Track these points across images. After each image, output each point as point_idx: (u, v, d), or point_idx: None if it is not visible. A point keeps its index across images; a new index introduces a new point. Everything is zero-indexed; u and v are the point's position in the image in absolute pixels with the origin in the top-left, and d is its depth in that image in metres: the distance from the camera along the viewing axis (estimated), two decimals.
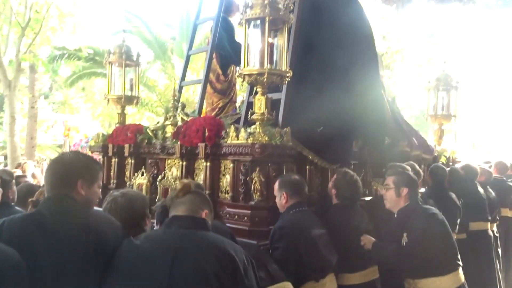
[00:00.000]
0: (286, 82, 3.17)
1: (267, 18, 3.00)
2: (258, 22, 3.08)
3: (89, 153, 4.83)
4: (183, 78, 5.03)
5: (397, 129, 4.45)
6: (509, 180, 5.66)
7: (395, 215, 2.91)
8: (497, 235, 4.77)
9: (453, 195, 4.02)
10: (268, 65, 3.01)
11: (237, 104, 5.35)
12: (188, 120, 3.67)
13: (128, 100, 4.65)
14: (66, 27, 13.39)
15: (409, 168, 3.26)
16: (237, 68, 5.23)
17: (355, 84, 3.68)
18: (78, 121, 18.78)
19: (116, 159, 4.21)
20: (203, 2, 5.13)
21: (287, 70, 3.10)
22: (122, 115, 4.67)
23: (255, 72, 3.04)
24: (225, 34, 4.95)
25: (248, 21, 3.10)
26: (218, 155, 3.23)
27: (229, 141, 3.08)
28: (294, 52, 3.43)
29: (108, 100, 4.63)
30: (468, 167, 4.68)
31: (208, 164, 3.27)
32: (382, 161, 3.75)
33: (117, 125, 4.62)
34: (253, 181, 2.95)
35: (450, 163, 5.13)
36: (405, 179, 2.86)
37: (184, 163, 3.48)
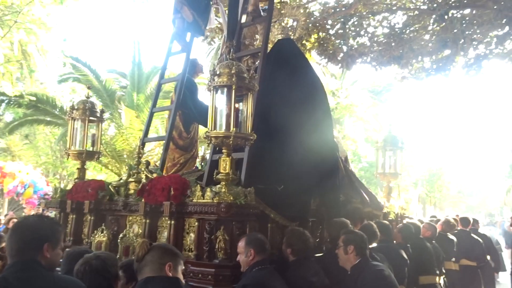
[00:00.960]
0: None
1: (233, 86, 3.29)
2: (225, 89, 3.35)
3: (41, 209, 4.73)
4: (145, 134, 5.15)
5: (350, 186, 4.78)
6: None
7: (349, 272, 3.12)
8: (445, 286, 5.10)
9: (401, 250, 4.32)
10: (234, 128, 3.25)
11: (198, 160, 5.51)
12: (152, 177, 3.78)
13: (89, 155, 4.69)
14: (7, 74, 13.27)
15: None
16: (199, 126, 5.49)
17: (311, 144, 4.01)
18: (16, 168, 17.71)
19: (74, 216, 4.16)
20: (168, 62, 5.40)
21: (251, 133, 3.36)
22: (82, 170, 4.68)
23: (222, 135, 3.27)
24: (188, 93, 5.20)
25: (216, 87, 3.37)
26: (183, 214, 3.34)
27: (195, 200, 3.21)
28: (256, 114, 3.71)
29: (68, 155, 4.63)
30: (413, 224, 5.06)
31: (173, 222, 3.35)
32: (338, 218, 4.01)
33: (76, 180, 4.60)
34: (218, 240, 3.08)
35: (399, 219, 5.51)
36: (352, 238, 3.11)
37: (148, 221, 3.54)
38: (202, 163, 5.35)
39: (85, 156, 4.63)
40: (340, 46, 8.95)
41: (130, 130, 13.27)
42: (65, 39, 17.59)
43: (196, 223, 3.23)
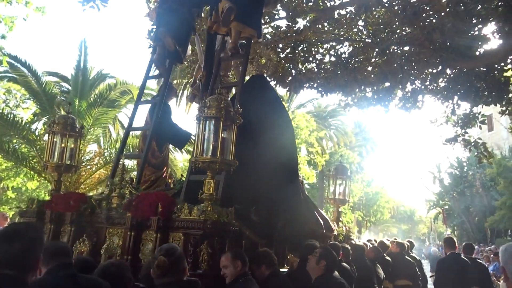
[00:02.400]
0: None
1: (221, 118, 3.83)
2: (213, 120, 3.88)
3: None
4: (121, 151, 5.49)
5: (307, 209, 5.43)
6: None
7: (313, 281, 3.71)
8: None
9: (348, 267, 4.99)
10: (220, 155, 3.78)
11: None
12: (137, 193, 4.17)
13: (67, 168, 4.94)
14: None
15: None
16: (170, 146, 5.91)
17: (278, 174, 4.62)
18: None
19: (53, 226, 4.40)
20: (145, 84, 5.81)
21: (234, 160, 3.89)
22: (59, 182, 4.91)
23: (208, 160, 3.78)
24: (163, 115, 5.64)
25: (205, 118, 3.88)
26: (169, 228, 3.77)
27: (182, 216, 3.67)
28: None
29: (46, 167, 4.85)
30: (357, 245, 5.80)
31: (159, 235, 3.76)
32: (298, 238, 4.63)
33: (52, 192, 4.83)
34: (202, 253, 3.54)
35: (345, 240, 6.23)
36: (326, 255, 3.71)
37: (133, 233, 3.91)
38: (173, 182, 5.78)
39: (63, 169, 4.88)
40: (289, 69, 9.45)
41: None
42: (5, 35, 16.56)
43: (182, 237, 3.67)
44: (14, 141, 13.49)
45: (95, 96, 15.23)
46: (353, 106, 10.67)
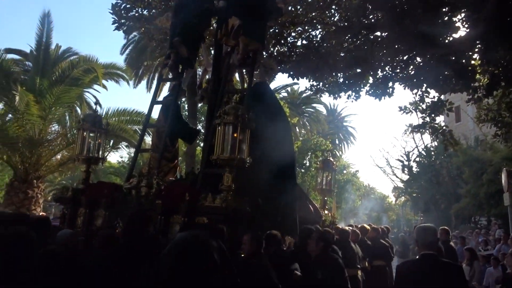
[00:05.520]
0: None
1: (238, 124, 4.66)
2: (231, 125, 4.70)
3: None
4: (139, 146, 6.23)
5: (300, 199, 6.35)
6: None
7: (312, 258, 4.62)
8: (362, 279, 6.84)
9: (336, 248, 5.96)
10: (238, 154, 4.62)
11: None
12: (164, 184, 4.97)
13: (95, 160, 5.67)
14: None
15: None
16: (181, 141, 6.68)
17: (279, 169, 5.50)
18: None
19: (88, 211, 5.14)
20: (159, 86, 6.54)
21: (248, 158, 4.75)
22: (88, 172, 5.63)
23: (227, 158, 4.62)
24: (175, 114, 6.40)
25: (224, 123, 4.70)
26: (195, 214, 4.59)
27: (206, 204, 4.50)
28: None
29: (78, 159, 5.57)
30: (343, 230, 6.78)
31: (186, 220, 4.59)
32: (294, 224, 5.54)
33: (82, 182, 5.55)
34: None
35: (331, 225, 7.21)
36: (324, 237, 4.62)
37: (163, 217, 4.72)
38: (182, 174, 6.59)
39: (92, 161, 5.61)
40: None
41: (28, 116, 12.37)
42: None
43: (206, 221, 4.50)
44: None
45: (57, 74, 14.59)
46: (324, 91, 10.79)
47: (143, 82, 22.15)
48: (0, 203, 15.84)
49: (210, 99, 6.42)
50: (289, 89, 30.89)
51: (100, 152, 5.78)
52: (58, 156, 14.45)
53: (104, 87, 20.98)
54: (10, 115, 13.74)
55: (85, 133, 5.62)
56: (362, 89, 10.50)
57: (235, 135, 4.71)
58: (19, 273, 2.00)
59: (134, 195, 5.10)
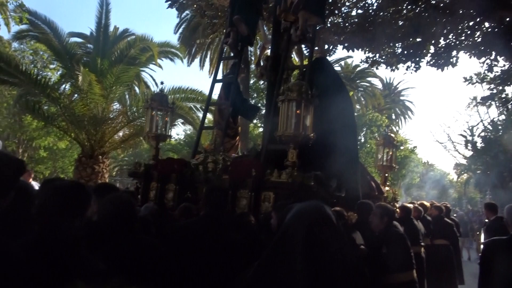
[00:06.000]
0: None
1: (302, 101, 4.77)
2: (295, 102, 4.82)
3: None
4: (202, 123, 6.54)
5: (362, 175, 6.40)
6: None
7: (376, 233, 4.72)
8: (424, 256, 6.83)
9: (397, 224, 5.99)
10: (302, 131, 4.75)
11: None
12: (230, 160, 5.22)
13: (163, 137, 6.04)
14: None
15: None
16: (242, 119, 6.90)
17: (346, 139, 5.56)
18: None
19: (159, 185, 5.53)
20: (220, 65, 6.75)
21: (312, 134, 4.86)
22: (157, 149, 6.02)
23: (292, 134, 4.76)
24: (236, 91, 6.61)
25: (288, 100, 4.83)
26: (261, 188, 4.81)
27: (272, 179, 4.70)
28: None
29: (147, 137, 5.96)
30: (405, 206, 6.76)
31: (253, 194, 4.82)
32: (357, 199, 5.62)
33: (152, 158, 5.94)
34: None
35: (392, 202, 7.20)
36: (387, 212, 4.69)
37: (230, 192, 4.98)
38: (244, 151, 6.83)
39: (160, 138, 5.98)
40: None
41: (91, 95, 13.00)
42: None
43: (273, 195, 4.71)
44: (43, 101, 14.05)
45: (116, 54, 15.46)
46: (381, 63, 10.31)
47: (196, 61, 22.67)
48: (71, 178, 17.19)
49: (269, 76, 6.54)
50: (342, 63, 30.22)
51: (167, 129, 6.13)
52: (120, 134, 15.27)
53: (159, 66, 21.81)
54: (75, 95, 14.68)
55: (153, 112, 5.98)
56: (422, 60, 10.02)
57: (297, 111, 4.82)
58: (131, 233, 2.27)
59: (202, 170, 5.41)
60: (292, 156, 4.80)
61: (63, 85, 16.42)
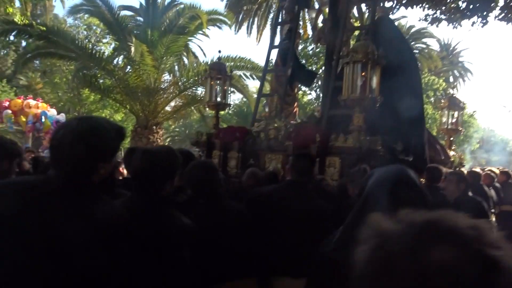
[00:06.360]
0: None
1: (369, 62, 4.61)
2: (360, 64, 4.67)
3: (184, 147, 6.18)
4: (260, 91, 6.52)
5: (428, 139, 6.18)
6: None
7: (451, 201, 4.56)
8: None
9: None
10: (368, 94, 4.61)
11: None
12: (292, 126, 5.20)
13: (223, 106, 6.09)
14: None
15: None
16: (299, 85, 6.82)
17: (408, 105, 5.36)
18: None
19: (222, 153, 5.63)
20: (277, 29, 6.63)
21: (379, 97, 4.71)
22: (217, 118, 6.09)
23: (358, 98, 4.64)
24: (293, 57, 6.50)
25: (354, 62, 4.68)
26: (326, 154, 4.77)
27: (338, 144, 4.64)
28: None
29: (208, 106, 6.04)
30: (474, 172, 6.49)
31: (318, 159, 4.79)
32: (425, 164, 5.44)
33: (212, 127, 6.03)
34: None
35: (458, 167, 6.93)
36: (464, 178, 4.52)
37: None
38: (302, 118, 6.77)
39: (220, 107, 6.04)
40: None
41: (143, 66, 13.26)
42: None
43: (339, 160, 4.67)
44: (98, 74, 14.61)
45: (165, 24, 15.56)
46: (442, 20, 9.48)
47: (243, 28, 22.46)
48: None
49: (328, 39, 6.36)
50: (396, 23, 28.73)
51: (227, 98, 6.17)
52: (172, 104, 15.62)
53: (207, 35, 21.85)
54: (128, 68, 15.12)
55: (212, 81, 6.02)
56: (489, 14, 9.08)
57: (362, 73, 4.67)
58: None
59: (263, 137, 5.44)
60: (358, 120, 4.69)
61: (116, 58, 17.03)
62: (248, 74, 15.49)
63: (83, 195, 1.44)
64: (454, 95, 7.42)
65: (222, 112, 21.97)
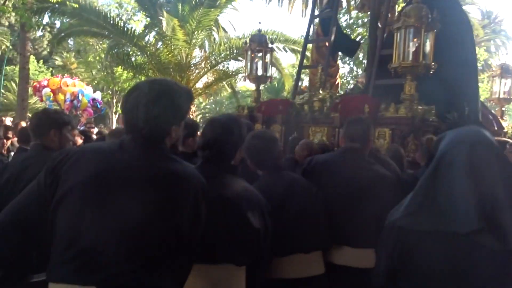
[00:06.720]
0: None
1: (422, 26, 4.36)
2: (412, 28, 4.43)
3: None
4: (301, 63, 6.35)
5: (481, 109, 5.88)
6: None
7: None
8: None
9: None
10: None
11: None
12: (338, 98, 5.04)
13: (264, 79, 5.98)
14: None
15: None
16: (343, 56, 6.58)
17: (464, 74, 5.09)
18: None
19: (264, 126, 5.54)
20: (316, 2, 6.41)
21: (433, 64, 4.48)
22: (258, 91, 5.99)
23: (410, 65, 4.42)
24: (335, 27, 6.26)
25: (406, 27, 4.44)
26: (375, 125, 4.60)
27: (388, 115, 4.46)
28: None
29: (249, 79, 5.94)
30: None
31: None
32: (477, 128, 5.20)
33: (254, 101, 5.94)
34: (409, 143, 4.36)
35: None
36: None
37: (340, 130, 4.84)
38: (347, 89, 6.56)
39: (261, 79, 5.93)
40: None
41: (175, 41, 13.20)
42: None
43: (389, 132, 4.49)
44: (131, 52, 14.75)
45: None
46: None
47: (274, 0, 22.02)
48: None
49: (372, 6, 6.08)
50: None
51: (268, 70, 6.04)
52: (204, 80, 15.59)
53: (236, 9, 21.55)
54: (160, 44, 15.12)
55: (253, 53, 5.90)
56: None
57: (414, 39, 4.44)
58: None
59: (307, 109, 5.31)
60: (410, 88, 4.49)
61: (147, 36, 17.07)
62: (281, 47, 15.19)
63: (162, 158, 1.41)
64: (506, 63, 7.02)
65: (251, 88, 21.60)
